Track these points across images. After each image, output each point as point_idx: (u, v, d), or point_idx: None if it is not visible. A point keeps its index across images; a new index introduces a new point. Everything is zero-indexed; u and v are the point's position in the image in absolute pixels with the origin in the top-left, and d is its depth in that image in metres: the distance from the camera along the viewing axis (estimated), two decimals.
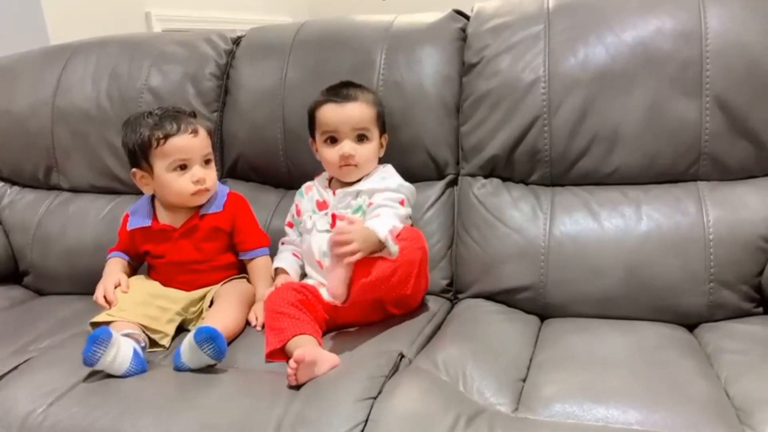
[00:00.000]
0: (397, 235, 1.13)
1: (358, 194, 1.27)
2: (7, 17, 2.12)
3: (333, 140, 1.29)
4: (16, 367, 1.15)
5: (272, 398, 0.98)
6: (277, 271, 1.33)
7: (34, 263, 1.62)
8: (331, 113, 1.28)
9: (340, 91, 1.30)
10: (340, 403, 0.94)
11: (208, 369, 1.09)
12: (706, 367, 1.02)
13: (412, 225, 1.29)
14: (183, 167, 1.27)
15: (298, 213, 1.37)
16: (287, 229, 1.41)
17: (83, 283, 1.48)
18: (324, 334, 1.17)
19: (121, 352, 1.07)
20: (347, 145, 1.27)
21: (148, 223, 1.33)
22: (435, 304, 1.30)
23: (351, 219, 1.12)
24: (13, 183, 1.74)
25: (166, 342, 1.21)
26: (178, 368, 1.09)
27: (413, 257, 1.13)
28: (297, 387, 1.01)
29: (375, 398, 0.96)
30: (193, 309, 1.29)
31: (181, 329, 1.27)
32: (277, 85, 1.50)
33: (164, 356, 1.18)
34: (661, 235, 1.22)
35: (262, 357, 1.12)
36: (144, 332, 1.18)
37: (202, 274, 1.32)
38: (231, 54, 1.60)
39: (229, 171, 1.59)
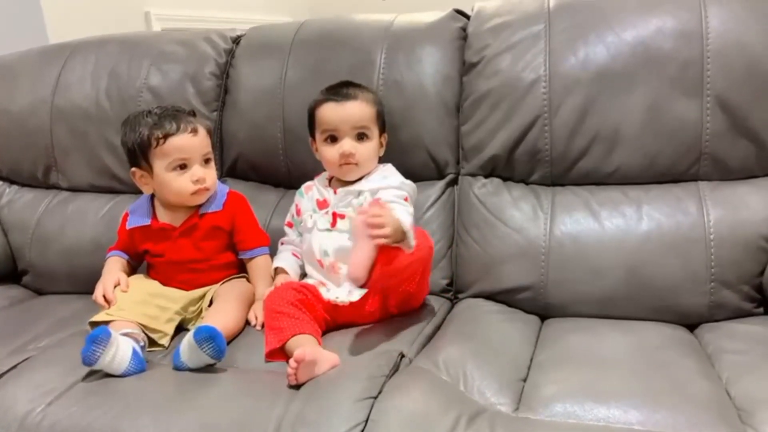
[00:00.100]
0: None
1: (359, 193, 1.27)
2: (6, 16, 2.11)
3: (333, 139, 1.29)
4: (14, 367, 1.14)
5: (272, 398, 0.98)
6: (277, 271, 1.33)
7: (33, 262, 1.61)
8: (331, 112, 1.28)
9: (340, 90, 1.30)
10: (341, 403, 0.94)
11: (208, 368, 1.08)
12: (707, 368, 1.02)
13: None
14: (183, 167, 1.26)
15: (298, 213, 1.37)
16: (287, 229, 1.40)
17: (82, 282, 1.48)
18: (324, 333, 1.17)
19: (120, 351, 1.07)
20: (347, 144, 1.27)
21: (147, 222, 1.32)
22: (435, 303, 1.30)
23: (381, 204, 1.10)
24: (12, 182, 1.73)
25: (165, 341, 1.21)
26: (178, 367, 1.09)
27: (425, 254, 1.13)
28: (297, 387, 1.00)
29: (375, 398, 0.95)
30: (192, 308, 1.29)
31: (181, 329, 1.26)
32: (277, 85, 1.49)
33: (163, 356, 1.17)
34: (662, 235, 1.22)
35: (261, 356, 1.12)
36: (143, 331, 1.18)
37: (202, 274, 1.31)
38: (231, 53, 1.60)
39: (228, 170, 1.59)
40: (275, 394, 0.99)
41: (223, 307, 1.23)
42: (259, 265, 1.34)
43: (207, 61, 1.58)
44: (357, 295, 1.19)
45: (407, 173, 1.34)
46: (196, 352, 1.06)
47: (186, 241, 1.30)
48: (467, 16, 1.48)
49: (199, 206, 1.31)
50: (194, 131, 1.27)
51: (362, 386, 0.97)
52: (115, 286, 1.26)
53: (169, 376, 1.08)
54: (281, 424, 0.92)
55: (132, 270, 1.38)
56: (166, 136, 1.24)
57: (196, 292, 1.30)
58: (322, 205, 1.30)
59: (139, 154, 1.27)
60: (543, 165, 1.33)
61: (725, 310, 1.19)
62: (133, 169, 1.30)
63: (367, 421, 0.92)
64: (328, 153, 1.29)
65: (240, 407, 0.97)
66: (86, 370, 1.08)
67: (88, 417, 0.98)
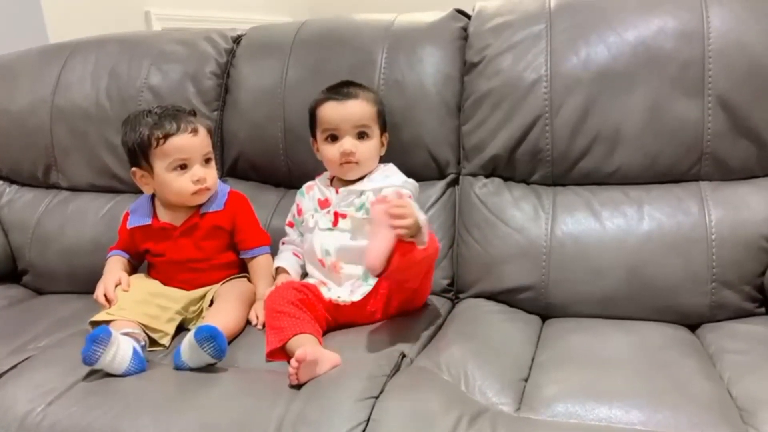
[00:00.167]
0: None
1: (361, 193, 1.26)
2: (6, 16, 2.11)
3: (334, 138, 1.29)
4: (14, 366, 1.14)
5: (273, 397, 0.97)
6: (278, 271, 1.32)
7: (33, 262, 1.61)
8: (332, 111, 1.28)
9: (341, 90, 1.30)
10: (342, 403, 0.94)
11: (209, 368, 1.08)
12: (709, 368, 1.02)
13: None
14: (183, 167, 1.26)
15: (299, 212, 1.36)
16: (288, 229, 1.40)
17: (82, 282, 1.48)
18: (325, 333, 1.17)
19: (121, 351, 1.07)
20: (348, 142, 1.26)
21: (148, 221, 1.32)
22: (436, 304, 1.30)
23: (402, 194, 1.09)
24: (12, 182, 1.73)
25: (165, 341, 1.20)
26: (178, 367, 1.08)
27: (434, 253, 1.12)
28: (298, 386, 1.00)
29: (377, 398, 0.95)
30: (193, 308, 1.28)
31: (181, 328, 1.26)
32: (278, 84, 1.49)
33: (164, 355, 1.17)
34: (663, 235, 1.22)
35: (262, 356, 1.11)
36: (144, 331, 1.18)
37: (202, 273, 1.31)
38: (231, 53, 1.60)
39: (229, 170, 1.59)
40: (276, 393, 0.99)
41: (224, 306, 1.23)
42: (260, 264, 1.34)
43: (207, 61, 1.58)
44: (359, 294, 1.19)
45: (408, 173, 1.34)
46: (197, 351, 1.06)
47: (187, 241, 1.30)
48: (468, 16, 1.48)
49: (200, 206, 1.31)
50: (194, 131, 1.26)
51: (363, 386, 0.97)
52: (116, 286, 1.26)
53: (169, 376, 1.08)
54: (282, 424, 0.92)
55: (133, 269, 1.37)
56: (166, 136, 1.24)
57: (197, 292, 1.30)
58: (324, 204, 1.30)
59: (139, 154, 1.27)
60: (544, 165, 1.33)
61: (726, 310, 1.19)
62: (134, 168, 1.30)
63: (368, 420, 0.91)
64: (329, 152, 1.29)
65: (241, 407, 0.97)
66: (86, 369, 1.08)
67: (89, 417, 0.98)
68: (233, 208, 1.33)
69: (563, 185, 1.34)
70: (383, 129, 1.34)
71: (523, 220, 1.30)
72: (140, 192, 1.37)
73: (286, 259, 1.33)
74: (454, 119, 1.41)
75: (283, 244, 1.39)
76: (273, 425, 0.92)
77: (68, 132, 1.62)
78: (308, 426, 0.91)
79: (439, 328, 1.22)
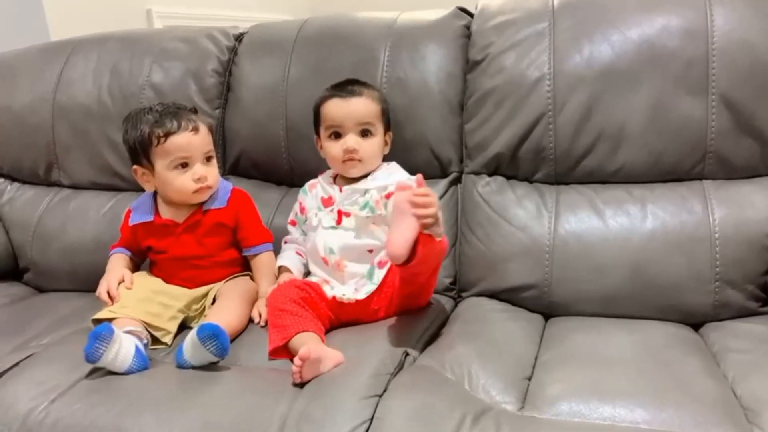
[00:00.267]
0: None
1: (366, 191, 1.26)
2: (8, 14, 2.11)
3: (337, 135, 1.28)
4: (17, 364, 1.14)
5: (276, 396, 0.97)
6: (281, 270, 1.32)
7: (34, 260, 1.61)
8: (336, 108, 1.28)
9: (346, 87, 1.30)
10: (345, 401, 0.93)
11: (211, 366, 1.08)
12: (713, 367, 1.02)
13: None
14: (184, 165, 1.26)
15: (302, 211, 1.36)
16: (290, 228, 1.40)
17: (83, 280, 1.48)
18: (327, 331, 1.17)
19: (123, 349, 1.06)
20: (351, 139, 1.26)
21: (150, 218, 1.32)
22: (439, 302, 1.30)
23: (422, 180, 1.05)
24: (14, 179, 1.73)
25: (168, 339, 1.20)
26: (181, 365, 1.08)
27: (446, 248, 1.11)
28: (301, 384, 1.00)
29: (380, 396, 0.95)
30: (195, 306, 1.28)
31: (183, 327, 1.26)
32: (280, 82, 1.49)
33: (166, 353, 1.17)
34: (667, 233, 1.21)
35: (265, 354, 1.11)
36: (146, 329, 1.17)
37: (205, 270, 1.31)
38: (233, 50, 1.60)
39: (231, 168, 1.58)
40: (279, 391, 0.98)
41: (227, 305, 1.22)
42: (263, 262, 1.34)
43: (209, 59, 1.57)
44: (364, 293, 1.19)
45: (411, 171, 1.33)
46: (200, 349, 1.06)
47: (189, 237, 1.30)
48: (471, 14, 1.47)
49: (203, 202, 1.31)
50: (195, 129, 1.26)
51: (367, 384, 0.96)
52: (119, 283, 1.25)
53: (172, 374, 1.07)
54: (285, 422, 0.92)
55: (135, 267, 1.37)
56: (167, 135, 1.23)
57: (199, 290, 1.30)
58: (327, 202, 1.30)
59: (140, 152, 1.26)
60: (547, 163, 1.33)
61: (730, 310, 1.19)
62: (135, 166, 1.30)
63: (372, 419, 0.91)
64: (332, 149, 1.28)
65: (244, 405, 0.97)
66: (89, 367, 1.07)
67: (91, 415, 0.98)
68: (236, 205, 1.33)
69: (566, 184, 1.34)
70: (387, 127, 1.34)
71: (526, 218, 1.30)
72: (142, 190, 1.37)
73: (288, 258, 1.33)
74: (457, 117, 1.40)
75: (285, 242, 1.39)
76: (276, 423, 0.92)
77: (70, 130, 1.61)
78: (312, 424, 0.90)
79: (442, 326, 1.21)
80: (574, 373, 1.00)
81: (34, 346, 1.23)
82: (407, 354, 1.08)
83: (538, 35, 1.33)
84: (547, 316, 1.26)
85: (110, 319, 1.15)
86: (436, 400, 0.93)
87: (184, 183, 1.26)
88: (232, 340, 1.12)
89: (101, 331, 1.04)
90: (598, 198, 1.28)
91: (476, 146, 1.38)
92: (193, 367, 1.07)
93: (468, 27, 1.45)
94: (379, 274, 1.21)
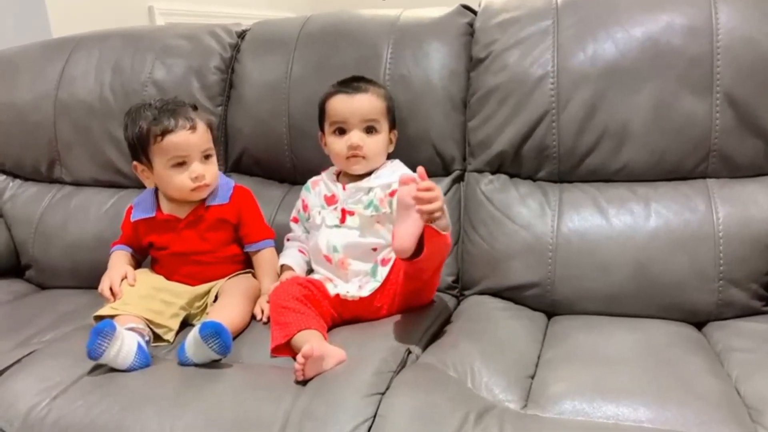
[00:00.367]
0: None
1: (369, 190, 1.26)
2: (9, 10, 2.11)
3: (342, 131, 1.28)
4: (19, 360, 1.14)
5: (279, 393, 0.97)
6: (283, 268, 1.32)
7: (36, 257, 1.61)
8: (341, 104, 1.27)
9: (351, 83, 1.29)
10: (348, 399, 0.93)
11: (213, 363, 1.07)
12: (716, 366, 1.02)
13: None
14: (181, 164, 1.25)
15: (305, 208, 1.36)
16: (293, 225, 1.40)
17: (85, 277, 1.48)
18: (329, 329, 1.16)
19: (125, 345, 1.06)
20: (356, 136, 1.26)
21: (152, 214, 1.31)
22: (441, 300, 1.29)
23: (423, 173, 1.05)
24: (15, 176, 1.72)
25: (170, 337, 1.20)
26: (183, 363, 1.08)
27: (450, 244, 1.10)
28: (303, 382, 0.99)
29: (383, 394, 0.95)
30: (197, 304, 1.28)
31: (185, 324, 1.25)
32: (283, 80, 1.49)
33: (168, 350, 1.17)
34: (670, 232, 1.21)
35: (267, 352, 1.11)
36: (148, 326, 1.17)
37: (206, 267, 1.31)
38: (236, 48, 1.59)
39: (233, 165, 1.58)
40: (282, 389, 0.98)
41: (229, 302, 1.22)
42: (265, 258, 1.34)
43: (212, 56, 1.57)
44: (367, 290, 1.18)
45: (413, 169, 1.31)
46: (202, 347, 1.06)
47: (191, 233, 1.30)
48: (474, 12, 1.47)
49: (205, 198, 1.31)
50: (193, 128, 1.25)
51: (370, 382, 0.96)
52: (121, 280, 1.25)
53: (174, 371, 1.07)
54: (288, 420, 0.91)
55: (137, 264, 1.37)
56: (164, 134, 1.23)
57: (202, 288, 1.29)
58: (331, 200, 1.30)
59: (139, 149, 1.26)
60: (550, 161, 1.32)
61: (733, 309, 1.18)
62: (135, 163, 1.30)
63: (374, 416, 0.91)
64: (336, 145, 1.28)
65: (246, 402, 0.96)
66: (91, 364, 1.07)
67: (93, 411, 0.98)
68: (238, 202, 1.33)
69: (570, 182, 1.33)
70: (392, 125, 1.33)
71: (530, 216, 1.29)
72: (143, 187, 1.37)
73: (291, 255, 1.33)
74: (460, 115, 1.40)
75: (287, 240, 1.39)
76: (279, 421, 0.91)
77: (72, 126, 1.61)
78: (314, 422, 0.90)
79: (444, 324, 1.21)
80: (577, 371, 1.00)
81: (35, 343, 1.23)
82: (410, 352, 1.07)
83: (542, 33, 1.33)
84: (549, 315, 1.26)
85: (112, 316, 1.15)
86: (438, 398, 0.93)
87: (181, 181, 1.25)
88: (234, 338, 1.12)
89: (103, 327, 1.04)
90: (602, 196, 1.28)
91: (479, 144, 1.37)
92: (195, 365, 1.07)
93: (471, 24, 1.44)
94: (383, 272, 1.21)
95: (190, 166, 1.25)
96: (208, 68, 1.56)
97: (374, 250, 1.23)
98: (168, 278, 1.31)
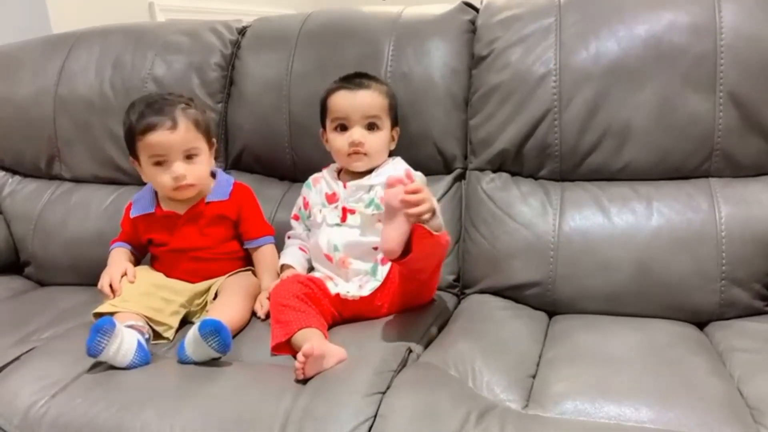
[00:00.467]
0: None
1: (370, 188, 1.25)
2: (10, 7, 2.10)
3: (343, 128, 1.27)
4: (18, 358, 1.13)
5: (279, 392, 0.96)
6: (283, 268, 1.31)
7: (36, 254, 1.60)
8: (343, 100, 1.27)
9: (354, 80, 1.29)
10: (349, 398, 0.93)
11: (213, 362, 1.07)
12: (719, 366, 1.01)
13: None
14: (162, 162, 1.24)
15: (306, 206, 1.35)
16: (293, 223, 1.39)
17: (85, 274, 1.48)
18: (330, 327, 1.16)
19: (125, 343, 1.06)
20: (357, 132, 1.25)
21: (151, 210, 1.31)
22: (442, 299, 1.29)
23: (411, 173, 1.04)
24: (15, 172, 1.72)
25: (169, 334, 1.19)
26: (183, 361, 1.08)
27: (447, 244, 1.09)
28: (304, 381, 0.99)
29: (384, 393, 0.94)
30: (197, 301, 1.28)
31: (185, 322, 1.25)
32: (283, 76, 1.48)
33: (168, 348, 1.16)
34: (672, 231, 1.21)
35: (267, 350, 1.11)
36: (148, 324, 1.17)
37: (206, 264, 1.30)
38: (236, 44, 1.59)
39: (233, 163, 1.58)
40: (282, 388, 0.98)
41: (229, 300, 1.22)
42: (265, 255, 1.33)
43: (212, 52, 1.56)
44: (368, 289, 1.18)
45: (414, 167, 1.32)
46: (201, 345, 1.05)
47: (191, 228, 1.29)
48: (476, 9, 1.46)
49: (204, 195, 1.30)
50: (172, 127, 1.22)
51: (370, 381, 0.96)
52: (121, 277, 1.25)
53: (174, 369, 1.07)
54: (289, 419, 0.91)
55: (136, 262, 1.36)
56: (144, 132, 1.22)
57: (201, 285, 1.29)
58: (332, 199, 1.29)
59: (129, 145, 1.27)
60: (552, 160, 1.32)
61: (736, 308, 1.18)
62: (130, 157, 1.30)
63: (375, 416, 0.91)
64: (338, 142, 1.27)
65: (246, 401, 0.96)
66: (90, 362, 1.07)
67: (93, 410, 0.97)
68: (238, 198, 1.32)
69: (571, 181, 1.33)
70: (394, 123, 1.33)
71: (531, 215, 1.29)
72: (143, 184, 1.37)
73: (291, 254, 1.32)
74: (461, 113, 1.39)
75: (288, 238, 1.38)
76: (279, 420, 0.91)
77: (71, 122, 1.61)
78: (315, 421, 0.90)
79: (445, 323, 1.21)
80: (578, 371, 1.00)
81: (35, 340, 1.22)
82: (410, 351, 1.07)
83: (545, 31, 1.32)
84: (551, 314, 1.25)
85: (111, 313, 1.14)
86: (439, 397, 0.92)
87: (163, 180, 1.24)
88: (234, 336, 1.11)
89: (103, 324, 1.04)
90: (604, 195, 1.27)
91: (481, 142, 1.37)
92: (195, 363, 1.07)
93: (473, 22, 1.44)
94: (383, 271, 1.20)
95: (171, 166, 1.23)
96: (208, 65, 1.55)
97: (375, 249, 1.22)
98: (167, 275, 1.30)
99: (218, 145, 1.49)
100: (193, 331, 1.06)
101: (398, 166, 1.30)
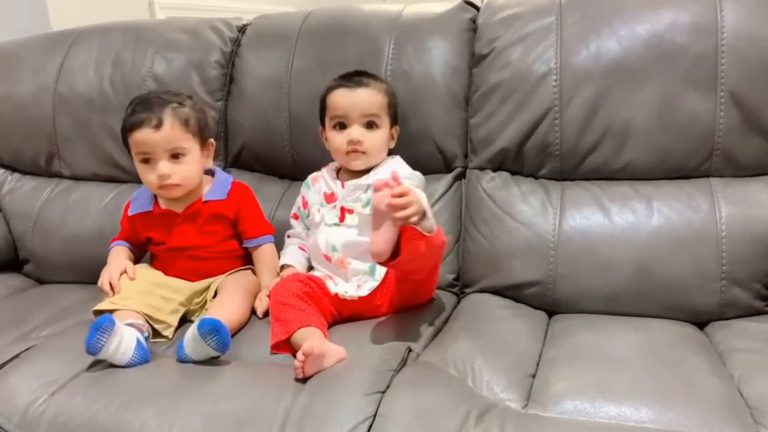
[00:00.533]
0: None
1: (368, 187, 1.25)
2: (10, 4, 2.09)
3: (342, 126, 1.27)
4: (17, 356, 1.13)
5: (278, 391, 0.96)
6: (284, 268, 1.31)
7: (35, 251, 1.60)
8: (341, 98, 1.26)
9: (353, 77, 1.28)
10: (349, 397, 0.93)
11: (213, 360, 1.07)
12: (719, 366, 1.01)
13: None
14: (148, 160, 1.24)
15: (305, 205, 1.35)
16: (293, 222, 1.39)
17: (84, 272, 1.48)
18: (330, 326, 1.16)
19: (124, 341, 1.06)
20: (356, 131, 1.25)
21: (149, 208, 1.31)
22: (442, 298, 1.29)
23: (398, 178, 1.02)
24: (14, 170, 1.72)
25: (169, 333, 1.19)
26: (182, 360, 1.07)
27: (441, 244, 1.09)
28: (303, 380, 0.99)
29: (383, 392, 0.94)
30: (196, 300, 1.27)
31: (185, 320, 1.25)
32: (283, 74, 1.48)
33: (167, 347, 1.16)
34: (673, 231, 1.20)
35: (266, 348, 1.10)
36: (147, 322, 1.17)
37: (204, 262, 1.30)
38: (236, 42, 1.58)
39: (233, 161, 1.57)
40: (282, 386, 0.97)
41: (228, 299, 1.22)
42: (264, 254, 1.33)
43: (212, 50, 1.56)
44: (366, 290, 1.18)
45: (414, 165, 1.33)
46: (200, 344, 1.05)
47: (189, 227, 1.29)
48: (477, 7, 1.46)
49: (202, 193, 1.30)
50: (157, 126, 1.21)
51: (370, 380, 0.96)
52: (121, 274, 1.25)
53: (173, 368, 1.07)
54: (288, 418, 0.91)
55: (136, 261, 1.36)
56: (131, 129, 1.23)
57: (201, 284, 1.29)
58: (330, 198, 1.29)
59: (124, 141, 1.27)
60: (553, 159, 1.32)
61: (736, 308, 1.18)
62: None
63: (375, 415, 0.90)
64: (336, 140, 1.27)
65: (246, 399, 0.96)
66: (89, 360, 1.07)
67: (92, 408, 0.97)
68: (236, 197, 1.32)
69: (572, 180, 1.32)
70: (394, 121, 1.32)
71: (531, 214, 1.29)
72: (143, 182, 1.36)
73: (291, 254, 1.32)
74: (462, 112, 1.39)
75: (288, 237, 1.38)
76: (279, 419, 0.91)
77: (71, 120, 1.60)
78: (315, 420, 0.90)
79: (445, 322, 1.21)
80: (578, 371, 0.99)
81: (34, 337, 1.22)
82: (410, 350, 1.07)
83: (545, 29, 1.32)
84: (551, 313, 1.25)
85: (111, 311, 1.14)
86: (439, 397, 0.92)
87: (149, 178, 1.25)
88: (233, 335, 1.11)
89: (102, 322, 1.04)
90: (604, 195, 1.27)
91: (481, 141, 1.36)
92: (194, 362, 1.07)
93: (474, 20, 1.43)
94: (381, 271, 1.20)
95: (157, 164, 1.23)
96: (208, 62, 1.55)
97: None
98: (166, 273, 1.30)
99: (218, 144, 1.50)
100: (191, 330, 1.06)
101: (397, 165, 1.30)
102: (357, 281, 1.21)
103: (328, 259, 1.24)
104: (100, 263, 1.31)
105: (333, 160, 1.35)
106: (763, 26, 1.21)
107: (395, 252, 1.02)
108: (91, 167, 1.62)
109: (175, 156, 1.24)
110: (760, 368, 0.98)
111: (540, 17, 1.33)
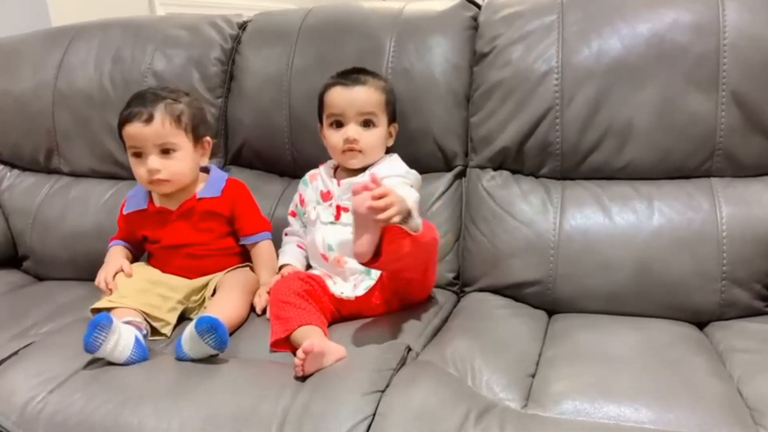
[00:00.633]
0: None
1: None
2: (9, 1, 2.09)
3: (339, 124, 1.27)
4: (16, 353, 1.13)
5: (278, 389, 0.96)
6: (283, 267, 1.30)
7: (34, 248, 1.60)
8: (338, 95, 1.26)
9: (351, 75, 1.28)
10: (348, 396, 0.92)
11: (211, 358, 1.06)
12: (719, 366, 1.01)
13: None
14: (139, 154, 1.24)
15: (302, 202, 1.35)
16: (290, 219, 1.39)
17: (83, 268, 1.47)
18: (330, 325, 1.15)
19: (123, 339, 1.05)
20: (352, 129, 1.24)
21: (144, 206, 1.31)
22: (441, 297, 1.29)
23: (378, 180, 1.01)
24: (13, 166, 1.71)
25: (167, 331, 1.19)
26: (180, 358, 1.07)
27: (430, 242, 1.08)
28: (303, 378, 0.99)
29: (383, 391, 0.94)
30: (194, 298, 1.27)
31: (183, 318, 1.24)
32: (284, 72, 1.47)
33: (165, 345, 1.16)
34: (673, 231, 1.20)
35: (265, 346, 1.10)
36: (145, 320, 1.16)
37: (201, 260, 1.30)
38: (237, 39, 1.58)
39: (233, 158, 1.57)
40: (281, 385, 0.97)
41: (227, 296, 1.21)
42: (262, 251, 1.33)
43: (212, 47, 1.55)
44: (362, 289, 1.17)
45: (414, 164, 1.32)
46: (198, 342, 1.05)
47: (184, 224, 1.29)
48: (478, 6, 1.46)
49: (196, 190, 1.30)
50: (147, 120, 1.21)
51: (370, 379, 0.95)
52: (116, 273, 1.24)
53: (171, 366, 1.06)
54: (287, 416, 0.90)
55: (134, 259, 1.36)
56: (123, 123, 1.23)
57: (199, 281, 1.28)
58: (326, 197, 1.28)
59: (119, 135, 1.27)
60: (553, 158, 1.31)
61: (736, 309, 1.18)
62: None
63: (374, 414, 0.90)
64: (333, 138, 1.27)
65: (245, 398, 0.95)
66: (88, 357, 1.06)
67: (90, 406, 0.97)
68: (231, 195, 1.31)
69: (572, 179, 1.32)
70: (392, 119, 1.32)
71: (532, 213, 1.28)
72: None
73: (290, 252, 1.32)
74: (462, 110, 1.39)
75: (286, 235, 1.38)
76: (278, 417, 0.91)
77: (70, 116, 1.60)
78: (314, 419, 0.89)
79: (444, 321, 1.20)
80: (578, 370, 0.99)
81: (33, 334, 1.22)
82: (410, 349, 1.06)
83: (547, 28, 1.31)
84: (550, 313, 1.25)
85: (109, 309, 1.14)
86: (439, 396, 0.92)
87: (139, 173, 1.25)
88: (232, 332, 1.11)
89: (100, 320, 1.03)
90: (605, 194, 1.27)
91: (482, 140, 1.36)
92: (193, 360, 1.06)
93: (475, 18, 1.43)
94: (377, 270, 1.19)
95: (147, 159, 1.23)
96: (208, 59, 1.54)
97: None
98: (164, 271, 1.30)
99: (218, 141, 1.49)
100: (189, 329, 1.05)
101: (394, 164, 1.29)
102: (354, 280, 1.20)
103: (325, 258, 1.23)
104: (99, 260, 1.31)
105: (331, 158, 1.35)
106: (765, 26, 1.21)
107: (379, 251, 1.01)
108: (91, 164, 1.61)
109: (166, 151, 1.24)
110: (760, 368, 0.98)
111: (541, 16, 1.33)
